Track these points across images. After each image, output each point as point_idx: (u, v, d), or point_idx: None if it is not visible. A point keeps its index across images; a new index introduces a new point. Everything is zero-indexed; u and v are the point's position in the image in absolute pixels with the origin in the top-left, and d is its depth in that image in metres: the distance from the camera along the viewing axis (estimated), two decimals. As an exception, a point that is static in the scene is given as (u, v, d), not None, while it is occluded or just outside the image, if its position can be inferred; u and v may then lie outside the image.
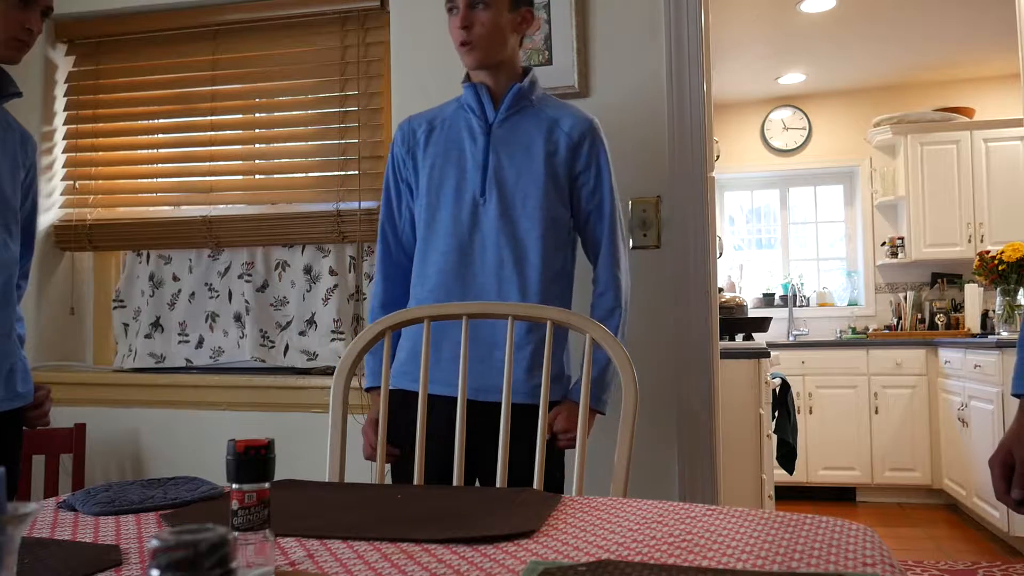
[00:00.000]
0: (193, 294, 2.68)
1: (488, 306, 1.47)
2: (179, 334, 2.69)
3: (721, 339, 3.01)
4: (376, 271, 1.82)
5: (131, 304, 2.75)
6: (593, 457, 2.14)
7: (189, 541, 0.45)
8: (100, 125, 2.76)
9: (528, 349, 1.64)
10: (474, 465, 1.65)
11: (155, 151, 2.76)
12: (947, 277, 5.34)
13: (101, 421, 2.59)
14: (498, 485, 1.39)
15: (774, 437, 3.37)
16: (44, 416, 1.78)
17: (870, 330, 5.42)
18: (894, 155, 5.50)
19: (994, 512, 3.82)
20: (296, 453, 2.41)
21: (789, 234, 5.89)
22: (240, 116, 2.64)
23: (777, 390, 3.48)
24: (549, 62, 2.26)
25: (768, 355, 2.92)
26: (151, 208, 2.72)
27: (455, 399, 1.61)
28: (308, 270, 2.60)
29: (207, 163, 2.66)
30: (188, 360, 2.67)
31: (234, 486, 0.71)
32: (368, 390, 1.75)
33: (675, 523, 0.93)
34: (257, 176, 2.66)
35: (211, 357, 2.66)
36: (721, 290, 4.18)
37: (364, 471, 2.19)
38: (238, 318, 2.65)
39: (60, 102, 2.79)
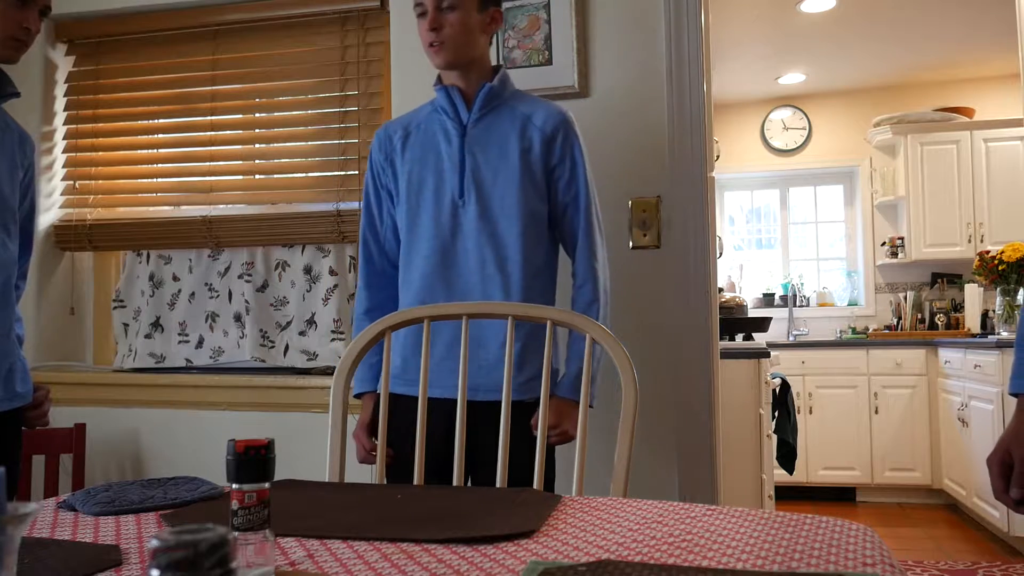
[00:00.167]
0: (193, 294, 2.68)
1: (487, 306, 1.48)
2: (179, 334, 2.69)
3: (721, 339, 3.01)
4: (359, 279, 1.83)
5: (131, 304, 2.75)
6: (593, 457, 2.14)
7: (189, 541, 0.45)
8: (100, 125, 2.76)
9: (517, 347, 1.65)
10: (469, 464, 1.66)
11: (155, 151, 2.76)
12: (947, 277, 5.34)
13: (101, 421, 2.59)
14: (498, 485, 1.39)
15: (774, 437, 3.37)
16: (43, 416, 1.77)
17: (870, 330, 5.42)
18: (894, 155, 5.50)
19: (994, 512, 3.82)
20: (296, 453, 2.41)
21: (789, 234, 5.89)
22: (240, 116, 2.64)
23: (777, 390, 3.48)
24: (549, 62, 2.26)
25: (768, 355, 2.92)
26: (151, 208, 2.72)
27: (444, 400, 1.63)
28: (308, 270, 2.60)
29: (207, 163, 2.66)
30: (188, 360, 2.67)
31: (234, 486, 0.71)
32: (357, 396, 1.77)
33: (675, 523, 0.93)
34: (257, 176, 2.66)
35: (211, 357, 2.66)
36: (721, 290, 4.18)
37: (364, 471, 2.19)
38: (238, 318, 2.65)
39: (60, 102, 2.79)
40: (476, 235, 1.67)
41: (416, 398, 1.63)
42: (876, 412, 4.82)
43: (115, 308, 2.75)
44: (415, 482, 1.40)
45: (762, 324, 3.81)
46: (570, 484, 2.03)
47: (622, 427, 1.35)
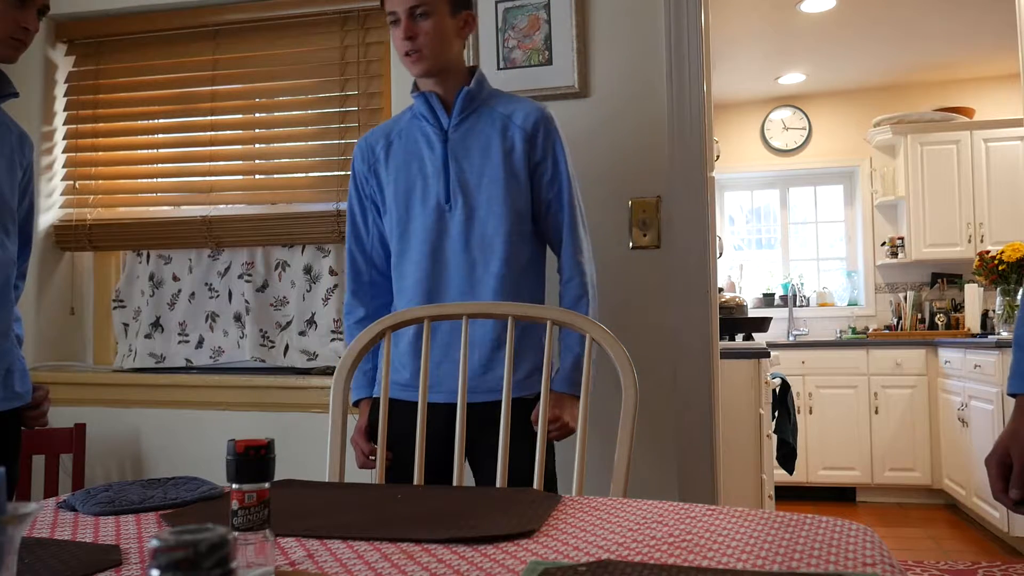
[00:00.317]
0: (193, 294, 2.68)
1: (488, 306, 1.48)
2: (179, 334, 2.69)
3: (721, 339, 3.01)
4: (347, 291, 1.84)
5: (131, 304, 2.75)
6: (593, 457, 2.14)
7: (189, 541, 0.45)
8: (100, 125, 2.76)
9: (498, 346, 1.66)
10: (449, 466, 1.67)
11: (155, 151, 2.76)
12: (947, 277, 5.34)
13: (101, 421, 2.59)
14: (498, 484, 1.39)
15: (774, 437, 3.37)
16: (42, 417, 1.77)
17: (870, 330, 5.42)
18: (894, 155, 5.50)
19: (994, 512, 3.82)
20: (296, 453, 2.41)
21: (789, 234, 5.89)
22: (240, 116, 2.64)
23: (777, 390, 3.48)
24: (549, 62, 2.26)
25: (768, 355, 2.92)
26: (151, 208, 2.72)
27: (438, 404, 1.65)
28: (308, 270, 2.60)
29: (207, 163, 2.66)
30: (188, 360, 2.67)
31: (234, 486, 0.71)
32: (355, 403, 1.79)
33: (675, 523, 0.93)
34: (257, 176, 2.66)
35: (211, 357, 2.66)
36: (721, 290, 4.18)
37: (364, 472, 2.19)
38: (238, 318, 2.65)
39: (60, 102, 2.78)
40: (464, 238, 1.68)
41: (411, 403, 1.66)
42: (876, 412, 4.82)
43: (115, 308, 2.75)
44: (416, 482, 1.40)
45: (762, 324, 3.81)
46: (570, 484, 2.03)
47: (622, 427, 1.35)
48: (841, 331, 5.55)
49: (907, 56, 4.99)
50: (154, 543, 0.45)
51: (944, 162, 5.12)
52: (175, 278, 2.72)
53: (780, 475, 4.05)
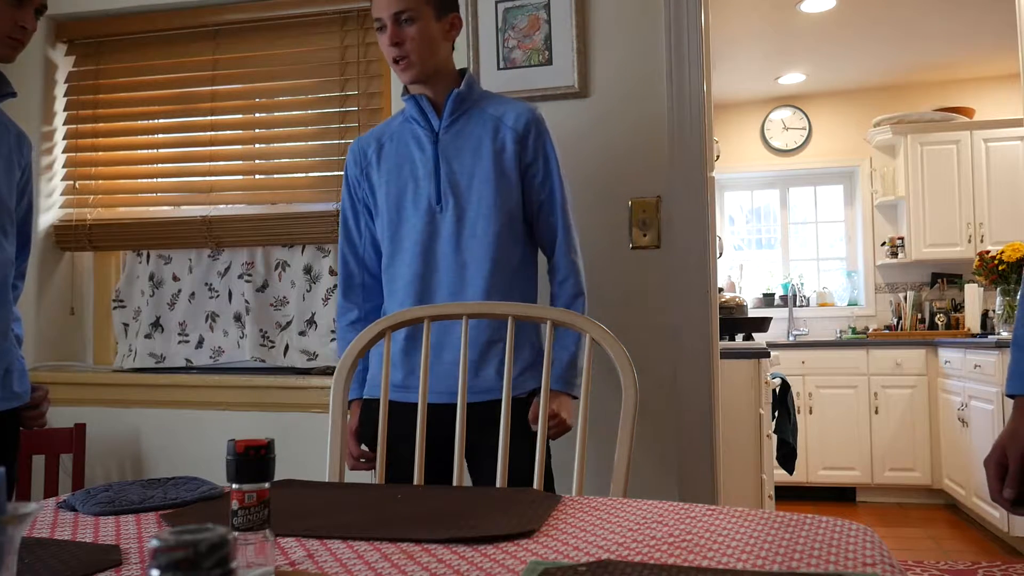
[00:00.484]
0: (193, 294, 2.68)
1: (488, 306, 1.48)
2: (179, 334, 2.69)
3: (721, 339, 3.01)
4: (339, 294, 1.85)
5: (131, 304, 2.75)
6: (593, 457, 2.14)
7: (189, 541, 0.45)
8: (100, 125, 2.76)
9: (502, 345, 1.67)
10: (446, 466, 1.68)
11: (155, 151, 2.76)
12: (947, 277, 5.34)
13: (101, 421, 2.59)
14: (498, 484, 1.39)
15: (774, 437, 3.37)
16: (41, 417, 1.77)
17: (870, 330, 5.42)
18: (894, 155, 5.50)
19: (994, 512, 3.82)
20: (296, 453, 2.41)
21: (789, 234, 5.89)
22: (240, 116, 2.64)
23: (777, 390, 3.48)
24: (549, 62, 2.26)
25: (768, 355, 2.92)
26: (151, 208, 2.72)
27: (429, 405, 1.63)
28: (308, 270, 2.60)
29: (207, 163, 2.66)
30: (188, 360, 2.67)
31: (234, 486, 0.71)
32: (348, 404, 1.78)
33: (675, 523, 0.93)
34: (257, 176, 2.66)
35: (211, 357, 2.66)
36: (721, 290, 4.18)
37: (363, 472, 2.19)
38: (238, 318, 2.65)
39: (60, 102, 2.78)
40: (455, 239, 1.68)
41: (402, 404, 1.67)
42: (876, 412, 4.82)
43: (115, 308, 2.75)
44: (416, 482, 1.40)
45: (762, 324, 3.81)
46: (570, 484, 2.03)
47: (622, 427, 1.35)
48: (841, 331, 5.55)
49: (907, 56, 4.99)
50: (154, 543, 0.45)
51: (944, 162, 5.12)
52: (175, 278, 2.72)
53: (780, 475, 4.05)
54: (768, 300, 5.72)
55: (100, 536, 0.92)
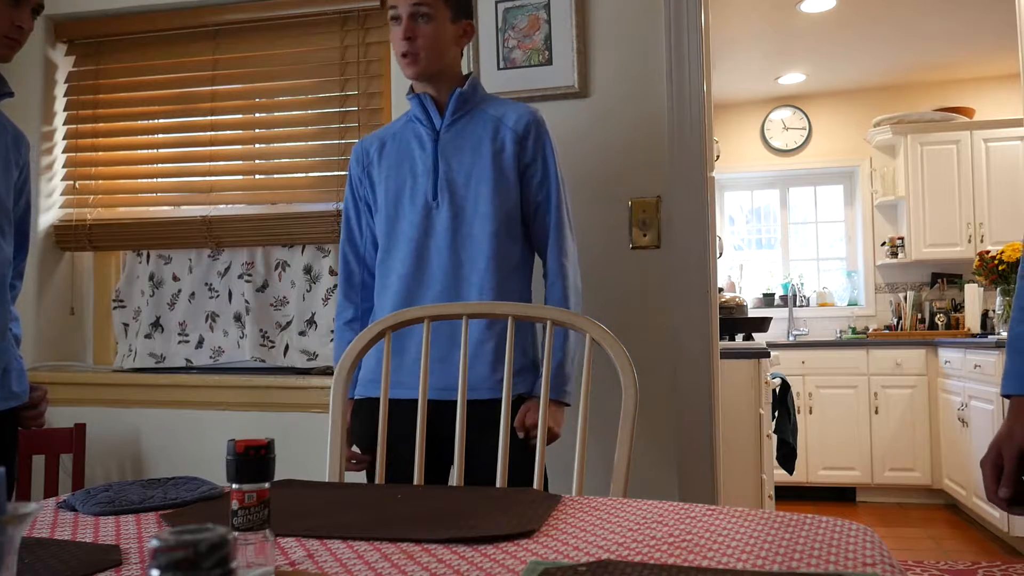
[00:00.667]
0: (193, 294, 2.68)
1: (488, 306, 1.48)
2: (179, 334, 2.69)
3: (721, 339, 3.01)
4: (338, 291, 1.86)
5: (131, 304, 2.75)
6: (593, 457, 2.14)
7: (189, 541, 0.45)
8: (100, 125, 2.76)
9: (491, 344, 1.66)
10: (445, 464, 1.69)
11: (155, 151, 2.76)
12: (947, 277, 5.34)
13: (101, 421, 2.59)
14: (497, 484, 1.39)
15: (774, 437, 3.37)
16: (40, 417, 1.77)
17: (870, 330, 5.42)
18: (894, 155, 5.50)
19: (994, 512, 3.82)
20: (296, 453, 2.41)
21: (789, 234, 5.89)
22: (240, 116, 2.64)
23: (777, 390, 3.48)
24: (549, 62, 2.26)
25: (768, 355, 2.92)
26: (151, 208, 2.72)
27: (412, 400, 1.65)
28: (308, 270, 2.60)
29: (207, 163, 2.66)
30: (188, 360, 2.67)
31: (234, 486, 0.71)
32: None
33: (675, 523, 0.93)
34: (257, 176, 2.66)
35: (211, 357, 2.66)
36: (721, 290, 4.18)
37: (363, 472, 2.19)
38: (238, 318, 2.65)
39: (60, 102, 2.78)
40: (451, 237, 1.69)
41: (373, 400, 1.69)
42: (876, 412, 4.82)
43: (115, 308, 2.75)
44: (415, 482, 1.40)
45: (762, 324, 3.81)
46: (570, 484, 2.03)
47: (622, 427, 1.35)
48: (841, 331, 5.55)
49: (907, 56, 4.99)
50: (154, 543, 0.45)
51: (944, 162, 5.12)
52: (175, 278, 2.72)
53: (780, 475, 4.05)
54: (768, 300, 5.72)
55: (100, 536, 0.92)
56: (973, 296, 4.92)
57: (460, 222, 1.69)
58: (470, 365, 1.66)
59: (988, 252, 4.49)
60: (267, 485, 0.72)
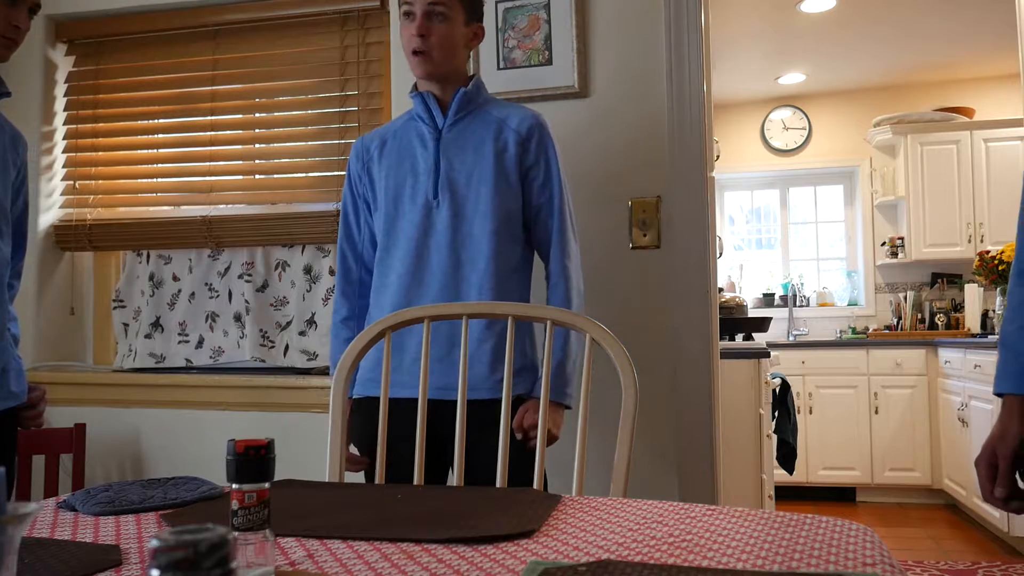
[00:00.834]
0: (193, 294, 2.68)
1: (488, 306, 1.48)
2: (179, 334, 2.69)
3: (721, 339, 3.01)
4: (336, 289, 1.86)
5: (131, 304, 2.75)
6: (593, 457, 2.14)
7: (189, 541, 0.45)
8: (100, 125, 2.76)
9: (489, 344, 1.66)
10: (444, 463, 1.69)
11: (155, 151, 2.76)
12: (947, 277, 5.34)
13: (101, 421, 2.59)
14: (497, 485, 1.39)
15: (774, 437, 3.37)
16: (39, 417, 1.77)
17: (870, 330, 5.42)
18: (894, 155, 5.50)
19: (994, 512, 3.82)
20: (296, 453, 2.41)
21: (789, 234, 5.89)
22: (240, 116, 2.64)
23: (777, 390, 3.48)
24: (549, 62, 2.26)
25: (768, 355, 2.92)
26: (151, 208, 2.72)
27: (411, 399, 1.65)
28: (308, 270, 2.60)
29: (207, 163, 2.66)
30: (188, 360, 2.67)
31: (234, 486, 0.71)
32: None
33: (675, 523, 0.93)
34: (257, 176, 2.66)
35: (211, 357, 2.66)
36: (721, 290, 4.18)
37: (362, 472, 2.19)
38: (238, 318, 2.65)
39: (60, 102, 2.78)
40: (450, 236, 1.68)
41: (372, 399, 1.69)
42: (876, 412, 4.82)
43: (115, 308, 2.75)
44: (415, 482, 1.40)
45: (762, 324, 3.81)
46: (570, 484, 2.03)
47: (622, 427, 1.35)
48: (841, 331, 5.55)
49: (907, 56, 4.99)
50: (154, 543, 0.45)
51: (944, 162, 5.12)
52: (175, 278, 2.72)
53: (780, 475, 4.05)
54: (768, 300, 5.72)
55: (100, 536, 0.92)
56: (973, 296, 4.92)
57: (460, 221, 1.69)
58: (469, 365, 1.65)
59: (988, 252, 4.49)
60: (267, 485, 0.72)
